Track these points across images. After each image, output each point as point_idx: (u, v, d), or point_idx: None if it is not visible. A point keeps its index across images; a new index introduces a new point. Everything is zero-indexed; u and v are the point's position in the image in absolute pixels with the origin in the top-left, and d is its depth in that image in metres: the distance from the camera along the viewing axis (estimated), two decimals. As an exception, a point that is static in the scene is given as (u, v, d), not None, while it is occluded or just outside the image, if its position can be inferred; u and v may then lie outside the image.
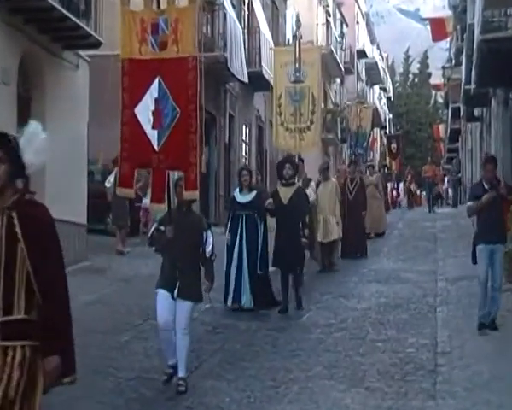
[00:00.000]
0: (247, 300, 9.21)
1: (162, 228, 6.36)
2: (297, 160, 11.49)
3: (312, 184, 11.81)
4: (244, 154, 22.96)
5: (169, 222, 6.31)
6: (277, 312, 9.21)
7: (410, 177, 31.60)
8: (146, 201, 14.60)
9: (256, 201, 9.32)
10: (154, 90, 6.25)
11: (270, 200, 9.42)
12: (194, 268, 6.37)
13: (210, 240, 6.43)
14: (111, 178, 13.14)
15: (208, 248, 6.43)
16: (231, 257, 9.27)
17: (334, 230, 12.21)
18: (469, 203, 8.00)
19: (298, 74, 12.28)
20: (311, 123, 12.37)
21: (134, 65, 6.37)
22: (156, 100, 6.24)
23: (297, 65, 12.21)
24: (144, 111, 6.28)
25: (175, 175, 6.56)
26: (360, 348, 7.59)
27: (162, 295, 6.32)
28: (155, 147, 6.24)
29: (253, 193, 9.41)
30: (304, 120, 12.33)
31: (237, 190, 9.63)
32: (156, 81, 6.24)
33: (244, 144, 23.06)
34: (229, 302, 9.27)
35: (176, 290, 6.24)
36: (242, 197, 9.39)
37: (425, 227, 20.08)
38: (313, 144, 12.67)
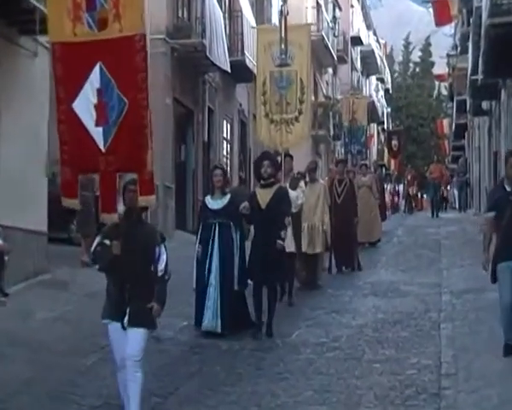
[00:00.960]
0: (210, 320, 8.79)
1: (107, 242, 5.92)
2: (283, 156, 11.19)
3: (302, 184, 11.32)
4: (225, 152, 22.95)
5: (116, 235, 5.90)
6: (251, 336, 8.88)
7: (409, 178, 31.51)
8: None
9: (230, 206, 9.02)
10: (94, 80, 5.84)
11: (246, 203, 9.02)
12: (147, 290, 5.94)
13: (163, 257, 6.00)
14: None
15: (161, 266, 5.98)
16: (203, 272, 8.94)
17: (319, 240, 11.83)
18: (489, 215, 7.57)
19: (284, 57, 11.70)
20: (300, 113, 11.89)
21: (68, 49, 5.90)
22: (99, 91, 5.86)
23: (283, 46, 11.62)
24: (84, 105, 5.89)
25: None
26: (355, 370, 7.60)
27: (113, 328, 5.99)
28: (101, 147, 5.87)
29: (227, 197, 9.11)
30: (291, 111, 11.86)
31: (209, 194, 9.35)
32: (97, 68, 5.83)
33: (225, 142, 23.05)
34: (205, 325, 8.88)
35: (126, 318, 5.89)
36: (214, 202, 9.12)
37: (427, 234, 20.16)
38: (302, 138, 12.26)
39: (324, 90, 36.25)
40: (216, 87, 21.47)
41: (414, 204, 31.62)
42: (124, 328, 5.91)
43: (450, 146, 46.13)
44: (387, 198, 35.16)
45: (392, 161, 38.92)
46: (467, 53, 23.56)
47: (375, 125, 55.71)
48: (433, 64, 66.32)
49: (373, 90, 52.34)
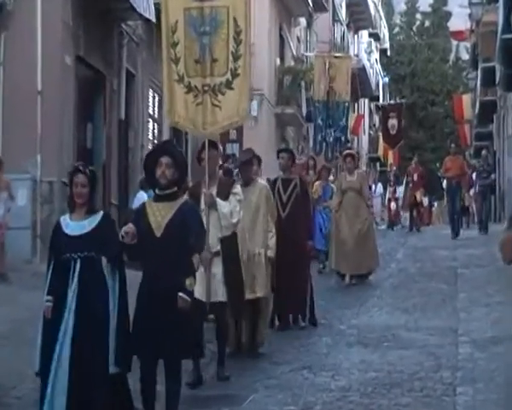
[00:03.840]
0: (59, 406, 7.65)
1: None
2: (206, 144, 10.05)
3: (238, 189, 10.27)
4: (151, 136, 22.91)
5: None
6: None
7: (416, 177, 30.99)
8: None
9: (103, 231, 7.89)
10: None
11: (129, 226, 7.87)
12: None
13: None
14: None
15: None
16: (54, 344, 7.68)
17: (263, 277, 11.01)
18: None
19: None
20: (235, 75, 10.43)
21: None
22: None
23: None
24: None
25: None
26: (335, 453, 7.65)
27: None
28: None
29: (97, 216, 8.00)
30: (219, 71, 10.47)
31: (68, 213, 8.10)
32: None
33: (151, 120, 23.02)
34: None
35: None
36: (75, 225, 7.95)
37: (439, 259, 20.35)
38: (238, 115, 10.63)
39: (294, 50, 36.42)
40: (138, 42, 21.43)
41: (421, 216, 31.43)
42: None
43: (473, 133, 46.65)
44: (380, 206, 35.39)
45: (391, 153, 38.93)
46: (496, 1, 23.92)
47: (367, 102, 56.22)
48: (449, 16, 67.16)
49: (364, 51, 52.79)
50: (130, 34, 20.82)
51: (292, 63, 34.59)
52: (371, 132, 57.45)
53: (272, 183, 13.12)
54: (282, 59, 33.45)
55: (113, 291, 7.87)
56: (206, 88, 10.45)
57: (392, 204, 32.66)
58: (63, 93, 17.22)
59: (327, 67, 24.55)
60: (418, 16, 69.95)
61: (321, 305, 14.28)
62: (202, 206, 9.77)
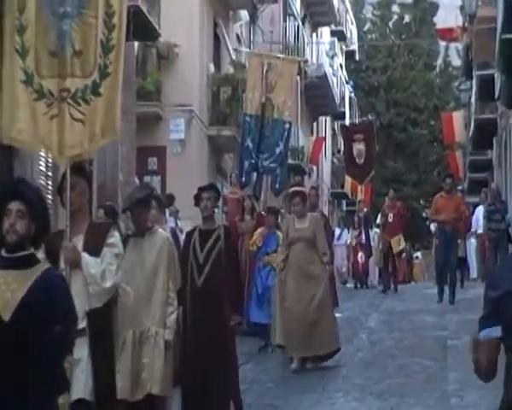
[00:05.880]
0: None
1: None
2: (68, 173, 9.22)
3: (115, 239, 9.33)
4: (44, 166, 22.80)
5: None
6: None
7: (392, 217, 30.56)
8: None
9: None
10: None
11: None
12: None
13: None
14: None
15: None
16: None
17: (158, 367, 10.45)
18: (491, 335, 5.96)
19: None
20: (104, 75, 9.64)
21: None
22: None
23: None
24: None
25: None
26: None
27: None
28: None
29: None
30: (84, 70, 9.66)
31: None
32: None
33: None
34: None
35: None
36: None
37: (424, 327, 20.47)
38: (107, 133, 9.72)
39: (232, 54, 36.43)
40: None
41: (395, 271, 31.25)
42: None
43: (466, 162, 46.99)
44: (346, 257, 35.37)
45: (360, 188, 38.89)
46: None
47: (329, 120, 56.48)
48: (435, 8, 67.87)
49: (325, 54, 53.10)
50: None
51: (230, 70, 34.55)
52: (335, 160, 57.67)
53: (187, 236, 12.43)
54: (217, 65, 33.48)
55: None
56: (64, 94, 9.59)
57: (360, 254, 32.55)
58: None
59: (265, 69, 24.09)
60: (395, 9, 70.43)
61: (270, 388, 14.34)
62: (62, 265, 8.89)
